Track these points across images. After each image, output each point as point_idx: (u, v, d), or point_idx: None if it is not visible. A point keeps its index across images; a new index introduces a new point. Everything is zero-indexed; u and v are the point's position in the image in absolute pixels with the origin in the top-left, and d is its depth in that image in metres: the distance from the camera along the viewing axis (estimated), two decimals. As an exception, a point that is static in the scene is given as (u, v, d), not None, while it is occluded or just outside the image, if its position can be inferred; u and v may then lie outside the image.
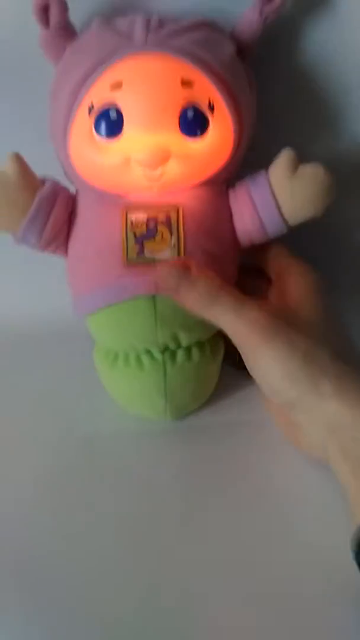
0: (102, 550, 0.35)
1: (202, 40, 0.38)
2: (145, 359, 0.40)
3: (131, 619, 0.32)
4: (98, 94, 0.37)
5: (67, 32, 0.40)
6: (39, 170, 0.41)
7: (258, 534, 0.36)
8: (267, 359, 0.36)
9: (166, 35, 0.38)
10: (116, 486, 0.39)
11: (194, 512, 0.37)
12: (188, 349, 0.41)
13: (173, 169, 0.38)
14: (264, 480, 0.39)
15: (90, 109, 0.37)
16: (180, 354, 0.41)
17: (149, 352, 0.40)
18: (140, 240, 0.39)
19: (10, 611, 0.32)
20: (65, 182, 0.42)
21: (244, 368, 0.38)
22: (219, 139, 0.39)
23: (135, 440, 0.42)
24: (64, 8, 0.39)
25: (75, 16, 0.41)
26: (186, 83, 0.37)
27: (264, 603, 0.32)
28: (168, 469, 0.40)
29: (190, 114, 0.37)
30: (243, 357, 0.38)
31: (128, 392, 0.42)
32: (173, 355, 0.41)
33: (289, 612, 0.32)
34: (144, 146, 0.37)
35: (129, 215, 0.40)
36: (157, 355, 0.40)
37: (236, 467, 0.40)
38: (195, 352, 0.41)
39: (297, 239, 0.43)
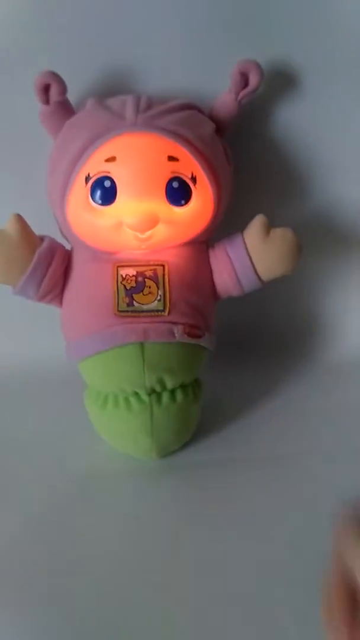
0: (93, 584, 0.36)
1: (185, 120, 0.43)
2: (133, 401, 0.43)
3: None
4: (94, 166, 0.42)
5: (65, 109, 0.45)
6: (36, 226, 0.45)
7: (244, 565, 0.37)
8: None
9: (154, 115, 0.43)
10: (106, 521, 0.41)
11: (181, 546, 0.39)
12: (172, 392, 0.44)
13: (160, 232, 0.43)
14: (247, 514, 0.41)
15: (87, 179, 0.42)
16: (165, 396, 0.44)
17: (136, 394, 0.44)
18: (130, 293, 0.43)
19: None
20: (61, 239, 0.47)
21: None
22: (200, 206, 0.44)
23: (123, 477, 0.45)
24: (63, 87, 0.44)
25: (73, 95, 0.46)
26: (172, 158, 0.42)
27: (248, 631, 0.34)
28: (155, 504, 0.42)
29: (175, 184, 0.42)
30: None
31: (117, 431, 0.45)
32: (159, 397, 0.44)
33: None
34: (134, 212, 0.42)
35: (120, 271, 0.44)
36: (145, 397, 0.43)
37: (219, 502, 0.42)
38: (179, 394, 0.44)
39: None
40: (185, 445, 0.47)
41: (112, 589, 0.36)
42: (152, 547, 0.39)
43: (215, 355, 0.48)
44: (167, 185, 0.42)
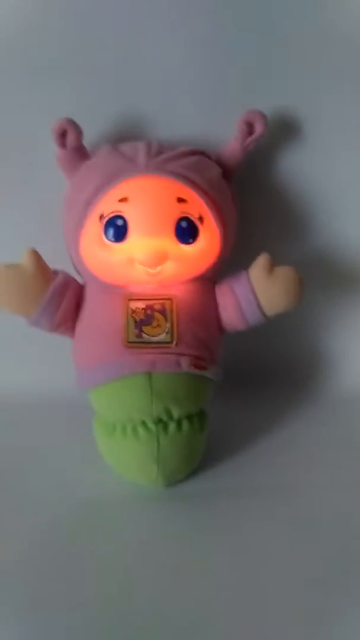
0: (97, 611, 0.37)
1: (193, 165, 0.46)
2: (140, 430, 0.45)
3: None
4: (108, 206, 0.45)
5: (81, 153, 0.48)
6: (50, 262, 0.47)
7: (250, 595, 0.37)
8: None
9: (164, 160, 0.45)
10: (112, 548, 0.41)
11: (186, 574, 0.39)
12: (179, 421, 0.45)
13: (169, 268, 0.45)
14: (252, 543, 0.41)
15: (101, 217, 0.45)
16: (171, 426, 0.45)
17: (144, 423, 0.45)
18: (139, 325, 0.45)
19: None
20: (74, 273, 0.49)
21: None
22: (207, 244, 0.46)
23: (130, 505, 0.45)
24: (79, 134, 0.48)
25: (88, 140, 0.49)
26: (181, 200, 0.45)
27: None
28: (161, 532, 0.43)
29: (184, 224, 0.45)
30: None
31: (124, 459, 0.46)
32: (165, 426, 0.45)
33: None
34: (145, 249, 0.44)
35: (130, 304, 0.46)
36: (152, 426, 0.45)
37: (224, 530, 0.43)
38: (185, 424, 0.45)
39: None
40: (191, 475, 0.48)
41: (117, 616, 0.36)
42: (157, 575, 0.39)
43: (221, 387, 0.49)
44: (176, 224, 0.44)
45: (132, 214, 0.44)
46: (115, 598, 0.38)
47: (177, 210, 0.44)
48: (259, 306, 0.47)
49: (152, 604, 0.37)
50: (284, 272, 0.47)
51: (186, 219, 0.45)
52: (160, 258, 0.44)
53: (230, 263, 0.49)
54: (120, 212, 0.44)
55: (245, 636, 0.35)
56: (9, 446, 0.52)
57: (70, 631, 0.36)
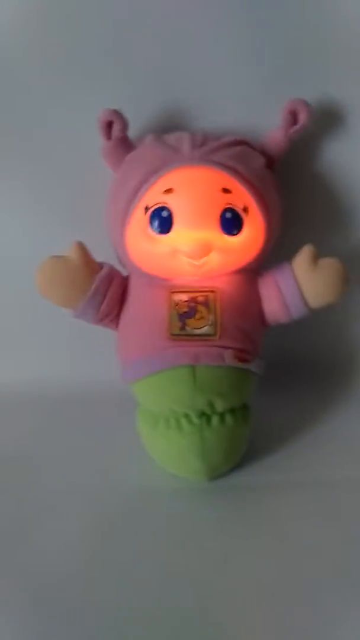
0: (139, 602, 0.37)
1: (238, 155, 0.46)
2: (184, 423, 0.45)
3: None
4: (152, 197, 0.44)
5: (126, 144, 0.48)
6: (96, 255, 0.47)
7: (292, 590, 0.37)
8: None
9: (209, 150, 0.45)
10: (154, 541, 0.42)
11: (228, 569, 0.39)
12: (222, 415, 0.45)
13: (214, 259, 0.45)
14: (295, 538, 0.41)
15: (146, 209, 0.44)
16: (215, 419, 0.45)
17: (187, 416, 0.45)
18: (183, 317, 0.45)
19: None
20: (118, 266, 0.49)
21: None
22: (251, 235, 0.46)
23: (172, 498, 0.45)
24: (124, 125, 0.48)
25: (133, 131, 0.49)
26: (226, 190, 0.44)
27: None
28: (203, 525, 0.43)
29: (228, 215, 0.44)
30: None
31: (168, 452, 0.46)
32: (209, 420, 0.45)
33: None
34: (190, 241, 0.44)
35: (173, 297, 0.46)
36: (195, 419, 0.44)
37: (267, 525, 0.43)
38: (228, 418, 0.45)
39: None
40: (234, 468, 0.47)
41: (159, 608, 0.37)
42: (199, 569, 0.39)
43: (264, 380, 0.49)
44: (221, 215, 0.44)
45: (177, 205, 0.44)
46: (158, 590, 0.38)
47: (222, 201, 0.44)
48: (302, 298, 0.47)
49: (195, 597, 0.37)
50: (328, 264, 0.47)
51: (231, 209, 0.44)
52: (205, 250, 0.44)
53: (273, 255, 0.49)
54: (165, 203, 0.44)
55: (289, 628, 0.35)
56: (54, 439, 0.53)
57: (112, 620, 0.36)
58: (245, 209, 0.45)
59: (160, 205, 0.44)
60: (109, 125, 0.47)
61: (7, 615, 0.37)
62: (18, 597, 0.38)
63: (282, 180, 0.50)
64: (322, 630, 0.35)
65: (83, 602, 0.37)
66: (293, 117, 0.48)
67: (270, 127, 0.49)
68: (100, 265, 0.47)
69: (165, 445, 0.46)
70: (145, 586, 0.38)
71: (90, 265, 0.46)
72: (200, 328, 0.45)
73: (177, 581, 0.38)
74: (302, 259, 0.47)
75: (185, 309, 0.45)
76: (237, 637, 0.35)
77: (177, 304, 0.45)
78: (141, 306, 0.47)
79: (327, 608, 0.36)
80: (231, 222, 0.44)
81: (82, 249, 0.46)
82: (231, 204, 0.44)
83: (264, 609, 0.36)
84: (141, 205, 0.45)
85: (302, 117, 0.48)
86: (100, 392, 0.55)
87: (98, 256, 0.47)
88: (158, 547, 0.41)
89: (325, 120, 0.52)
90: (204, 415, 0.45)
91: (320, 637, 0.35)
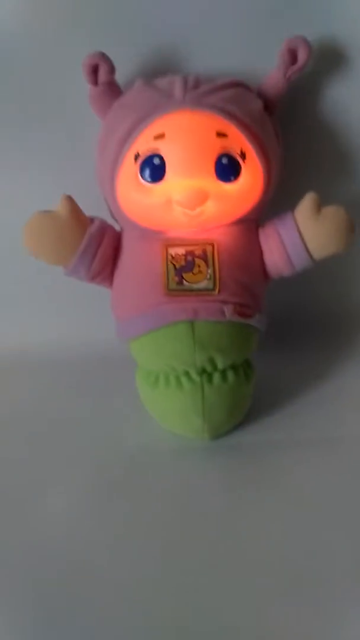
0: (141, 561, 0.37)
1: (233, 97, 0.43)
2: (184, 380, 0.43)
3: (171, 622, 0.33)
4: (143, 144, 0.42)
5: (113, 89, 0.46)
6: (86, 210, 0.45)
7: (295, 548, 0.37)
8: None
9: (202, 93, 0.42)
10: (156, 501, 0.41)
11: (231, 527, 0.39)
12: (223, 372, 0.44)
13: (210, 209, 0.42)
14: (298, 496, 0.41)
15: (137, 157, 0.42)
16: (216, 376, 0.43)
17: (187, 374, 0.43)
18: (180, 271, 0.43)
19: (55, 615, 0.34)
20: (110, 221, 0.47)
21: None
22: (250, 182, 0.43)
23: (174, 457, 0.44)
24: (111, 68, 0.45)
25: (120, 76, 0.46)
26: (221, 134, 0.42)
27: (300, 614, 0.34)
28: (206, 484, 0.42)
29: (224, 160, 0.42)
30: None
31: (168, 411, 0.45)
32: (210, 377, 0.43)
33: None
34: (184, 189, 0.41)
35: (169, 250, 0.44)
36: (195, 377, 0.43)
37: (271, 483, 0.42)
38: (230, 375, 0.44)
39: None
40: (237, 427, 0.46)
41: (162, 568, 0.36)
42: (202, 527, 0.39)
43: (267, 336, 0.47)
44: (216, 161, 0.42)
45: (169, 152, 0.41)
46: (160, 550, 0.38)
47: (217, 146, 0.42)
48: (305, 248, 0.44)
49: (198, 556, 0.37)
50: (332, 212, 0.44)
51: (227, 155, 0.42)
52: (200, 198, 0.42)
53: (274, 205, 0.46)
54: (156, 150, 0.42)
55: (294, 589, 0.34)
56: (51, 400, 0.52)
57: (113, 584, 0.36)
58: (243, 154, 0.42)
59: (151, 152, 0.42)
60: (94, 70, 0.45)
61: (8, 577, 0.37)
62: (20, 561, 0.37)
63: (283, 125, 0.47)
64: (328, 590, 0.34)
65: (84, 564, 0.37)
66: (292, 56, 0.45)
67: (269, 70, 0.46)
68: (91, 220, 0.45)
69: (165, 404, 0.45)
70: (147, 547, 0.38)
71: (80, 220, 0.44)
72: (199, 282, 0.43)
73: (179, 542, 0.38)
74: (304, 208, 0.44)
75: (183, 263, 0.43)
76: (240, 601, 0.34)
77: (173, 258, 0.44)
78: (135, 261, 0.45)
79: (333, 567, 0.36)
80: (227, 168, 0.42)
81: (71, 203, 0.44)
82: (227, 148, 0.42)
83: (267, 569, 0.36)
84: (131, 153, 0.42)
85: (302, 56, 0.45)
86: (97, 352, 0.54)
87: (90, 213, 0.45)
88: (160, 507, 0.41)
89: (326, 60, 0.49)
90: (205, 373, 0.43)
91: (326, 595, 0.34)
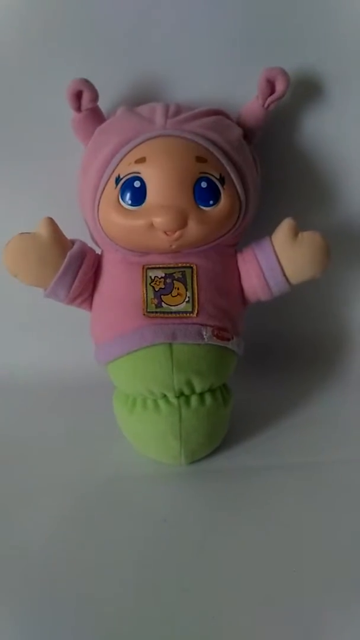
0: (118, 587, 0.36)
1: (213, 125, 0.44)
2: (161, 404, 0.43)
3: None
4: (124, 167, 0.42)
5: (96, 116, 0.46)
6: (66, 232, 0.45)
7: (273, 574, 0.36)
8: None
9: (182, 120, 0.43)
10: (133, 527, 0.40)
11: (208, 553, 0.38)
12: (201, 395, 0.44)
13: (190, 231, 0.43)
14: (276, 522, 0.40)
15: (117, 180, 0.42)
16: (194, 399, 0.43)
17: (165, 396, 0.43)
18: (159, 294, 0.43)
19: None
20: (91, 244, 0.47)
21: None
22: (228, 206, 0.43)
23: (151, 483, 0.44)
24: (94, 95, 0.45)
25: (104, 103, 0.47)
26: (200, 159, 0.42)
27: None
28: (183, 510, 0.42)
29: (204, 184, 0.42)
30: None
31: (145, 435, 0.44)
32: (187, 400, 0.43)
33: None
34: (164, 212, 0.42)
35: (148, 272, 0.44)
36: (173, 400, 0.43)
37: (247, 509, 0.42)
38: (208, 398, 0.44)
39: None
40: (214, 452, 0.46)
41: (137, 593, 0.36)
42: (178, 554, 0.38)
43: (245, 360, 0.47)
44: (195, 185, 0.42)
45: (149, 175, 0.42)
46: (137, 575, 0.37)
47: (196, 170, 0.42)
48: (283, 273, 0.45)
49: (175, 582, 0.36)
50: (309, 237, 0.45)
51: (206, 178, 0.42)
52: (180, 221, 0.42)
53: (253, 231, 0.47)
54: (137, 173, 0.42)
55: (271, 611, 0.34)
56: (27, 425, 0.51)
57: (91, 606, 0.35)
58: (222, 179, 0.43)
59: (132, 175, 0.42)
60: (78, 96, 0.45)
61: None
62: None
63: (261, 154, 0.48)
64: (306, 612, 0.34)
65: (63, 589, 0.36)
66: (270, 86, 0.46)
67: (248, 99, 0.47)
68: (72, 242, 0.45)
69: (142, 428, 0.44)
70: (126, 572, 0.37)
71: (60, 241, 0.44)
72: (177, 305, 0.43)
73: (158, 567, 0.37)
74: (281, 232, 0.45)
75: (162, 286, 0.44)
76: (218, 621, 0.34)
77: (152, 280, 0.44)
78: (115, 283, 0.45)
79: (310, 590, 0.35)
80: (206, 192, 0.42)
81: (52, 224, 0.44)
82: (206, 172, 0.42)
83: (245, 593, 0.35)
84: (113, 177, 0.43)
85: (280, 86, 0.46)
86: (75, 377, 0.53)
87: (71, 235, 0.45)
88: (138, 532, 0.40)
89: (304, 90, 0.50)
90: (183, 395, 0.43)
91: (303, 618, 0.34)
